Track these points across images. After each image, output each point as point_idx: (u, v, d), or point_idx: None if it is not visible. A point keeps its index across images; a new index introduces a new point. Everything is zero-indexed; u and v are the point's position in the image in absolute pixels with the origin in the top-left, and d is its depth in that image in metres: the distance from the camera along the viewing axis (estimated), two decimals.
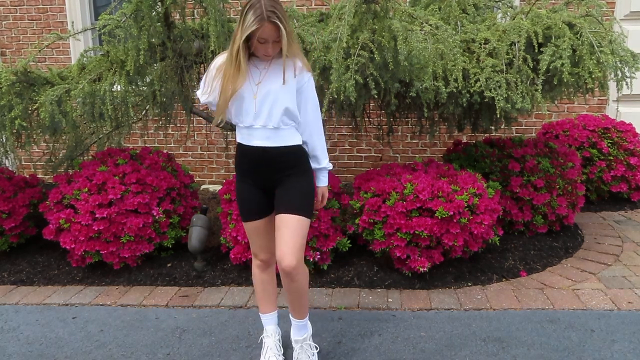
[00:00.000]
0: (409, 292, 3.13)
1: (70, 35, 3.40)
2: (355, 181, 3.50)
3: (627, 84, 3.19)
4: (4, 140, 3.66)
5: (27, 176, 4.08)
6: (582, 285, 3.16)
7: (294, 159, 2.24)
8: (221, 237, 3.49)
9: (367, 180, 3.37)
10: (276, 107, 2.14)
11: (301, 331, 2.41)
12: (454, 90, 3.03)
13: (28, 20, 5.75)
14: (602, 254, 3.61)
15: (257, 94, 2.14)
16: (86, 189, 3.37)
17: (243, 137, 2.23)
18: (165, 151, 4.07)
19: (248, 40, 2.06)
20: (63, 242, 3.34)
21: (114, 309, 3.04)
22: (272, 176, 2.24)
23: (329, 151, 5.62)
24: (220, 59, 2.21)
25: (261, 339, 2.52)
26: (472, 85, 3.07)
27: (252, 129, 2.18)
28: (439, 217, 3.01)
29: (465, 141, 4.69)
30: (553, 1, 4.75)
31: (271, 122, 2.16)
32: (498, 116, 3.32)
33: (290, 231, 2.17)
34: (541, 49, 3.11)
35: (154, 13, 3.12)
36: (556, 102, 4.49)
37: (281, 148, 2.19)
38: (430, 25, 3.09)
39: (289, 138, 2.20)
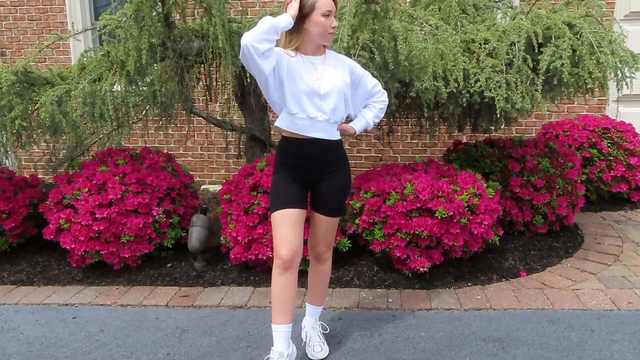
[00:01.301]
0: (409, 292, 3.13)
1: (70, 36, 3.40)
2: (355, 181, 3.50)
3: (627, 84, 3.20)
4: (4, 140, 3.66)
5: (27, 176, 4.08)
6: (582, 285, 3.17)
7: (342, 153, 2.38)
8: (221, 237, 3.49)
9: (367, 180, 3.37)
10: (340, 102, 2.25)
11: (317, 316, 2.58)
12: (454, 90, 3.03)
13: (28, 20, 5.75)
14: (602, 254, 3.61)
15: (320, 88, 2.21)
16: (86, 189, 3.37)
17: (301, 128, 2.23)
18: (165, 151, 4.07)
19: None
20: (63, 242, 3.34)
21: (114, 309, 3.04)
22: (321, 170, 2.31)
23: None
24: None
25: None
26: (472, 85, 3.08)
27: (314, 121, 2.23)
28: (439, 217, 3.01)
29: (465, 141, 4.70)
30: (553, 1, 4.75)
31: (334, 116, 2.26)
32: (498, 116, 3.33)
33: (328, 232, 2.41)
34: (541, 49, 3.11)
35: (154, 13, 3.12)
36: (556, 102, 4.49)
37: (337, 141, 2.32)
38: (430, 25, 3.09)
39: (338, 132, 2.34)
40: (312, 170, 2.30)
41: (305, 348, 2.51)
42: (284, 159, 2.31)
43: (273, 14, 3.61)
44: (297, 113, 2.21)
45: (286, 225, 2.24)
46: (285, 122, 2.23)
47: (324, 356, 2.48)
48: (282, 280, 2.26)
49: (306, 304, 2.59)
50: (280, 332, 2.29)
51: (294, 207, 2.26)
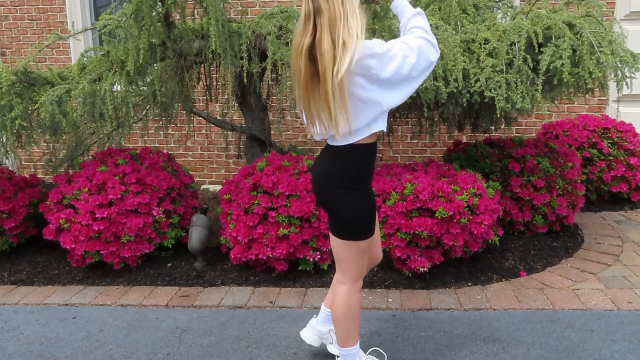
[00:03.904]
0: (409, 292, 3.13)
1: (70, 35, 3.41)
2: None
3: (627, 84, 3.19)
4: (4, 140, 3.67)
5: (27, 176, 4.08)
6: (582, 285, 3.17)
7: None
8: (221, 237, 3.49)
9: None
10: None
11: None
12: (454, 90, 3.03)
13: (28, 20, 5.75)
14: (602, 254, 3.61)
15: None
16: (86, 189, 3.37)
17: (375, 136, 2.01)
18: (165, 151, 4.08)
19: None
20: (63, 242, 3.34)
21: (114, 309, 3.04)
22: None
23: None
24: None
25: None
26: (472, 85, 3.08)
27: None
28: (439, 217, 3.01)
29: (465, 141, 4.70)
30: (553, 1, 4.75)
31: None
32: (498, 116, 3.32)
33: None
34: (541, 49, 3.11)
35: (154, 13, 3.12)
36: (556, 102, 4.49)
37: None
38: (430, 25, 3.08)
39: None
40: None
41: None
42: (371, 169, 2.04)
43: (273, 14, 3.61)
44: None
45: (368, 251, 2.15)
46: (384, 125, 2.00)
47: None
48: (360, 301, 2.18)
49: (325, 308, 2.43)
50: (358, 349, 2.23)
51: None
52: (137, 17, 3.02)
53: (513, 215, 3.79)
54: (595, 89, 3.41)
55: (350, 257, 2.07)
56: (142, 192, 3.43)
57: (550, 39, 3.12)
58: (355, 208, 2.00)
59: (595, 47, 3.05)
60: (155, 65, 3.43)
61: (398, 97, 1.91)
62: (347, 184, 1.99)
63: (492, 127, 3.92)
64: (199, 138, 5.77)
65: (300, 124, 5.42)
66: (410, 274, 3.21)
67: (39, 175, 4.23)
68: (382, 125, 1.96)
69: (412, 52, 1.84)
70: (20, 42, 5.81)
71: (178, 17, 3.38)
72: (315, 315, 2.48)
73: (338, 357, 2.27)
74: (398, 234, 3.06)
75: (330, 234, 2.10)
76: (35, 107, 3.22)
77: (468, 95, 3.11)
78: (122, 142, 4.41)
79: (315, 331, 2.45)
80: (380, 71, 1.84)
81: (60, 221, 3.32)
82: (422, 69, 1.88)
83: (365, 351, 2.36)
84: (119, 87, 3.26)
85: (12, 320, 2.95)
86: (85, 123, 3.96)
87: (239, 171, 3.54)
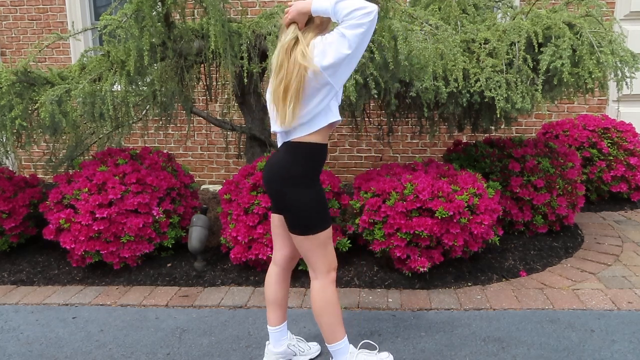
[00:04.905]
0: (409, 292, 3.13)
1: (70, 35, 3.40)
2: (355, 181, 3.50)
3: (627, 84, 3.20)
4: (4, 140, 3.66)
5: (27, 176, 4.08)
6: (582, 285, 3.17)
7: None
8: (221, 237, 3.49)
9: (367, 180, 3.37)
10: None
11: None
12: (454, 90, 3.03)
13: (28, 20, 5.75)
14: (602, 254, 3.61)
15: None
16: (86, 189, 3.37)
17: (327, 137, 2.12)
18: (165, 151, 4.07)
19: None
20: (63, 242, 3.34)
21: (114, 309, 3.04)
22: None
23: (330, 151, 5.64)
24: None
25: None
26: (472, 85, 3.08)
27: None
28: (439, 217, 3.01)
29: (465, 141, 4.70)
30: (553, 1, 4.76)
31: None
32: (498, 116, 3.33)
33: None
34: (541, 49, 3.11)
35: (154, 13, 3.12)
36: (556, 102, 4.49)
37: None
38: (430, 25, 3.09)
39: None
40: None
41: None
42: (320, 168, 2.14)
43: (273, 14, 3.61)
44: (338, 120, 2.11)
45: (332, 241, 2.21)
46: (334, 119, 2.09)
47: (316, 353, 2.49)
48: (336, 293, 2.22)
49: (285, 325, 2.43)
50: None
51: None
52: (137, 17, 3.02)
53: (513, 215, 3.79)
54: (595, 89, 3.42)
55: (314, 250, 2.12)
56: (142, 192, 3.43)
57: (550, 39, 3.12)
58: (309, 202, 2.08)
59: (595, 47, 3.05)
60: (155, 65, 3.43)
61: (345, 74, 2.00)
62: (298, 180, 2.07)
63: (492, 127, 3.92)
64: (199, 138, 5.78)
65: None
66: (410, 274, 3.21)
67: (39, 175, 4.23)
68: (337, 115, 2.07)
69: (344, 39, 1.91)
70: (20, 42, 5.81)
71: (178, 17, 3.38)
72: (268, 342, 2.43)
73: (332, 357, 2.27)
74: (398, 234, 3.06)
75: (290, 233, 2.15)
76: (35, 107, 3.22)
77: (468, 95, 3.12)
78: (122, 142, 4.42)
79: (275, 357, 2.41)
80: (321, 60, 1.93)
81: (60, 221, 3.32)
82: (358, 44, 1.92)
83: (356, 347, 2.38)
84: (119, 87, 3.26)
85: (12, 320, 2.95)
86: (85, 123, 3.96)
87: (239, 171, 3.54)
